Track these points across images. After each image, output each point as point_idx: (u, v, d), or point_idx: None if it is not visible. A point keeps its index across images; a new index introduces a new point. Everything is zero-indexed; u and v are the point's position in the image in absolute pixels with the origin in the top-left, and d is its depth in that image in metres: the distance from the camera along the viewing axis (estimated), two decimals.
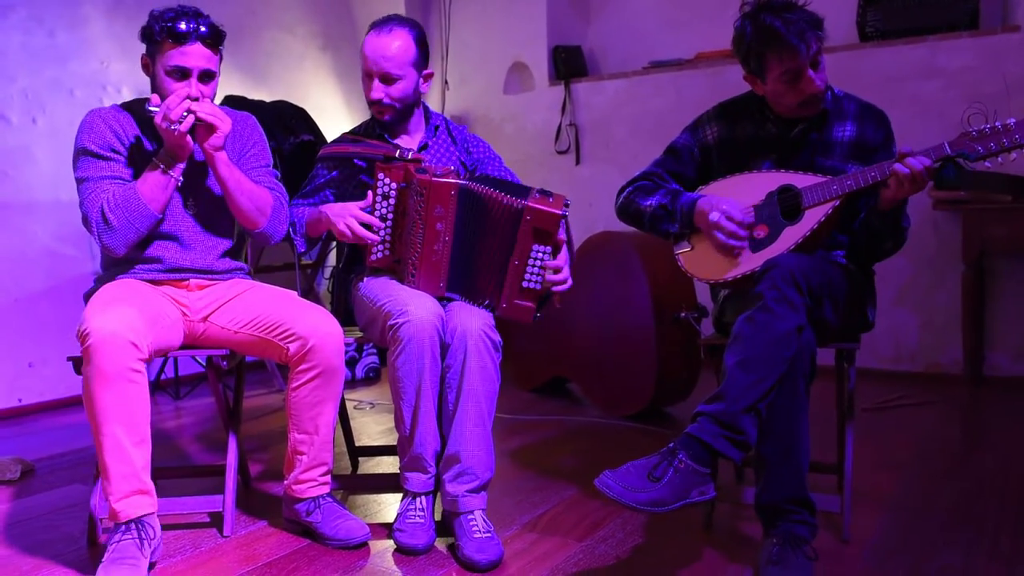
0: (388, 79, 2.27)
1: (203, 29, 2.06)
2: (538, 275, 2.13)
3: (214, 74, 2.12)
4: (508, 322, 2.18)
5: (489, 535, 2.02)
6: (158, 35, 2.05)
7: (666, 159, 2.28)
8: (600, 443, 3.05)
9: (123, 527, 1.88)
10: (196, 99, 2.04)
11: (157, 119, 2.01)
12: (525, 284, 2.14)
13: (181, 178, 2.10)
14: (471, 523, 2.04)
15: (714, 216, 2.04)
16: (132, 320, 1.86)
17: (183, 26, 2.03)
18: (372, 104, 2.30)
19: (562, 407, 3.60)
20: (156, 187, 2.06)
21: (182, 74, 2.07)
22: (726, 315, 2.20)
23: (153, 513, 1.93)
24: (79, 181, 2.10)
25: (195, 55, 2.06)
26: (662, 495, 1.71)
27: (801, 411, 1.84)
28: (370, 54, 2.26)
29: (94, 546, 2.13)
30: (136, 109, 2.18)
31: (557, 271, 2.14)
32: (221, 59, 2.16)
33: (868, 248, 2.10)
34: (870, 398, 3.51)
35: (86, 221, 2.06)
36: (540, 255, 2.12)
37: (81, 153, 2.11)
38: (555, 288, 2.16)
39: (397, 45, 2.26)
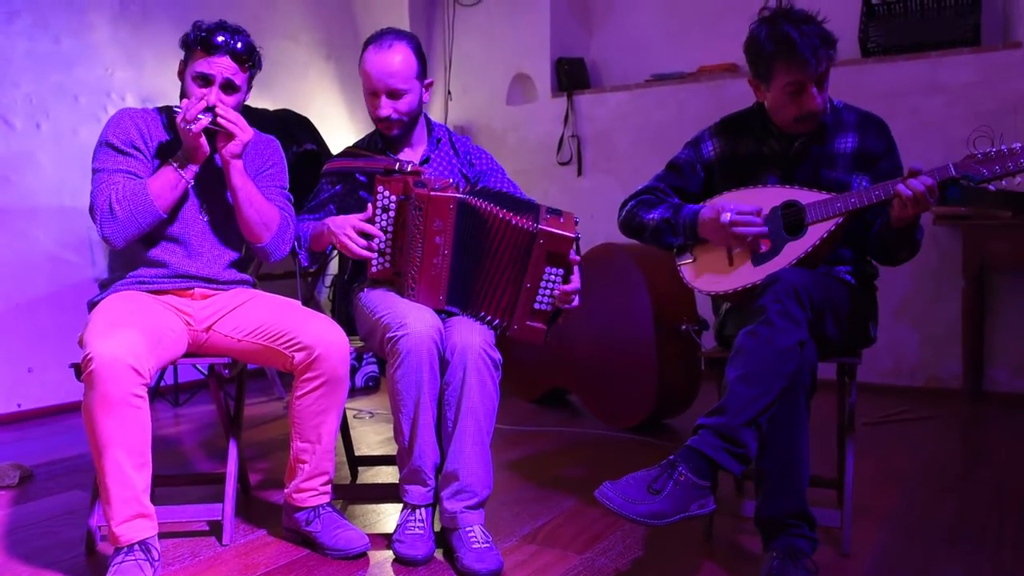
0: (395, 94, 2.26)
1: (238, 46, 2.12)
2: (550, 297, 2.13)
3: (238, 87, 2.16)
4: (519, 343, 2.18)
5: (488, 545, 2.02)
6: (192, 43, 2.12)
7: (668, 174, 2.29)
8: (600, 455, 3.05)
9: (125, 549, 1.88)
10: (214, 106, 2.08)
11: (178, 119, 2.05)
12: (537, 306, 2.13)
13: (192, 181, 2.12)
14: (469, 535, 2.03)
15: (725, 217, 2.03)
16: (134, 344, 1.85)
17: (219, 39, 2.09)
18: (380, 121, 2.30)
19: (563, 418, 3.59)
20: (166, 185, 2.08)
21: (205, 81, 2.11)
22: (727, 328, 2.21)
23: (154, 535, 1.92)
24: (94, 171, 2.12)
25: (220, 65, 2.11)
26: (662, 508, 1.71)
27: (801, 425, 1.84)
28: (374, 71, 2.25)
29: (92, 554, 2.12)
30: (169, 113, 2.22)
31: (568, 294, 2.14)
32: (251, 78, 2.21)
33: (882, 258, 2.11)
34: (870, 412, 3.51)
35: (92, 210, 2.08)
36: (553, 277, 2.12)
37: (102, 145, 2.14)
38: (564, 307, 2.16)
39: (399, 59, 2.25)
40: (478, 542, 2.02)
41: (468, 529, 2.04)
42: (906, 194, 1.88)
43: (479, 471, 2.08)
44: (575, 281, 2.15)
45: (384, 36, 2.29)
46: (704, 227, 2.09)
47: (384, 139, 2.37)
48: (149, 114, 2.22)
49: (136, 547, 1.88)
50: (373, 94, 2.28)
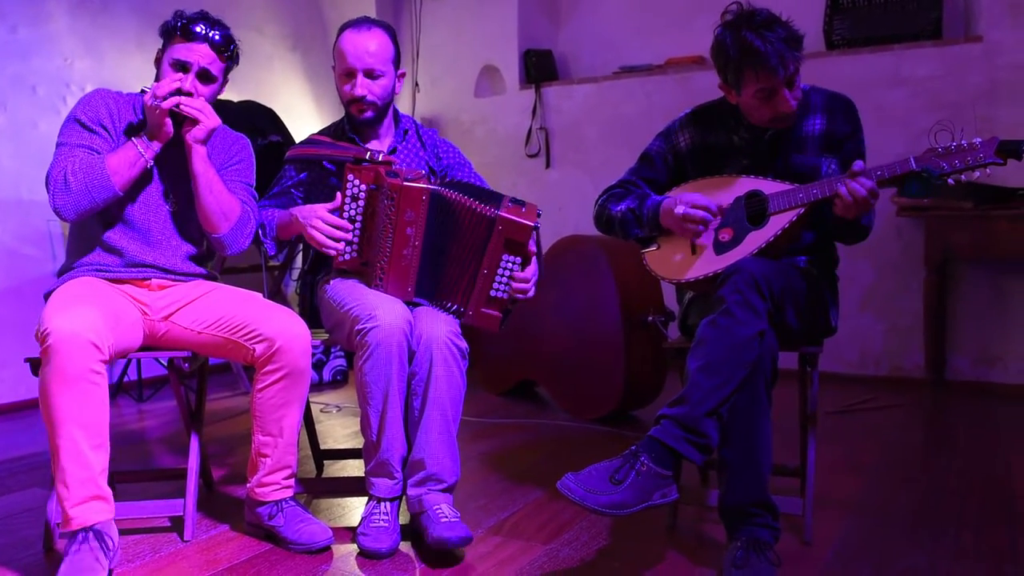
0: (372, 74, 2.26)
1: (217, 37, 2.12)
2: (506, 285, 2.13)
3: (215, 78, 2.15)
4: (474, 329, 2.18)
5: (457, 519, 2.02)
6: (172, 29, 2.12)
7: (640, 166, 2.29)
8: (568, 446, 3.05)
9: (81, 535, 1.82)
10: (190, 94, 2.07)
11: (146, 96, 2.04)
12: (493, 293, 2.14)
13: (152, 161, 2.09)
14: (437, 512, 2.03)
15: (679, 209, 2.04)
16: (93, 320, 1.83)
17: (199, 28, 2.10)
18: (354, 101, 2.27)
19: (530, 410, 3.59)
20: (124, 162, 2.05)
21: (182, 68, 2.11)
22: (690, 318, 2.22)
23: (110, 520, 1.88)
24: (58, 145, 2.10)
25: (199, 53, 2.11)
26: (623, 498, 1.71)
27: (763, 414, 1.86)
28: (352, 50, 2.25)
29: (50, 552, 2.09)
30: (142, 96, 2.20)
31: (524, 282, 2.15)
32: (227, 71, 2.20)
33: (833, 239, 2.16)
34: (835, 402, 3.55)
35: (47, 181, 2.05)
36: (509, 265, 2.12)
37: (70, 120, 2.13)
38: (519, 296, 2.16)
39: (377, 42, 2.26)
40: (446, 517, 2.01)
41: (436, 507, 2.04)
42: (847, 199, 1.90)
43: (445, 460, 2.08)
44: (531, 271, 2.16)
45: (362, 21, 2.30)
46: (665, 217, 2.10)
47: (353, 126, 2.34)
48: (123, 96, 2.21)
49: (91, 535, 1.82)
50: (349, 73, 2.26)
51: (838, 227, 2.06)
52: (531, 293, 2.17)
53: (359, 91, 2.25)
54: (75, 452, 1.81)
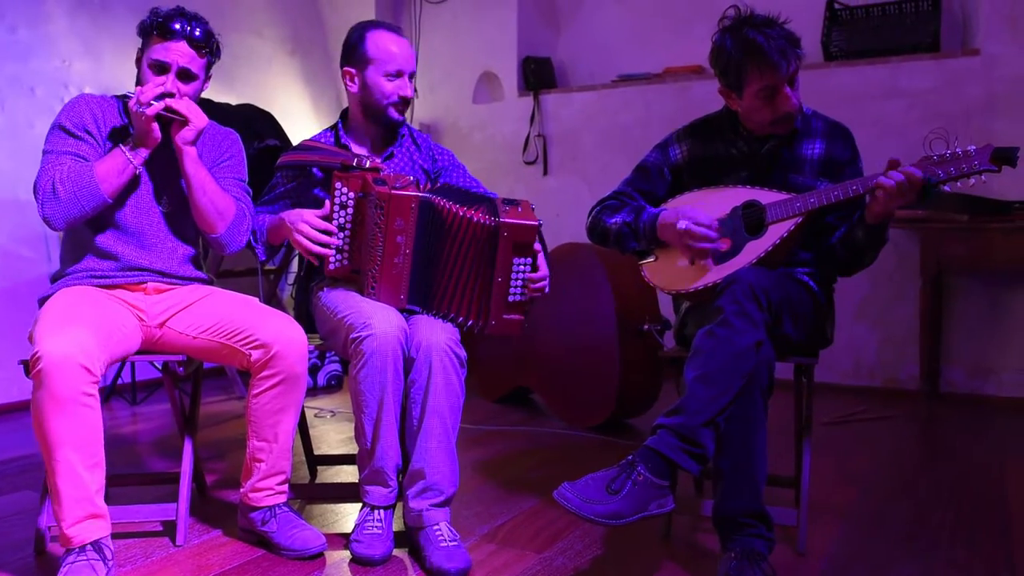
0: (413, 76, 2.32)
1: (197, 34, 2.09)
2: (522, 287, 2.13)
3: (195, 76, 2.13)
4: (469, 335, 2.18)
5: (456, 543, 2.01)
6: (149, 29, 2.09)
7: (636, 177, 2.29)
8: (563, 454, 3.05)
9: (77, 549, 1.83)
10: (172, 95, 2.05)
11: (131, 103, 2.02)
12: (511, 298, 2.12)
13: (140, 166, 2.08)
14: (437, 533, 2.02)
15: (682, 224, 2.04)
16: (85, 342, 1.80)
17: (176, 25, 2.07)
18: (401, 102, 2.29)
19: (525, 418, 3.59)
20: (113, 170, 2.04)
21: (161, 68, 2.09)
22: (687, 328, 2.21)
23: (107, 536, 1.88)
24: (44, 153, 2.09)
25: (177, 51, 2.08)
26: (620, 508, 1.71)
27: (759, 425, 1.85)
28: (400, 51, 2.28)
29: (42, 554, 2.08)
30: (125, 100, 2.18)
31: (541, 280, 2.15)
32: (209, 66, 2.18)
33: (847, 262, 2.11)
34: (829, 412, 3.55)
35: (35, 189, 2.04)
36: (522, 267, 2.11)
37: (55, 128, 2.11)
38: (536, 295, 2.16)
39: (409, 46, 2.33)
40: (445, 540, 2.00)
41: (435, 527, 2.03)
42: (889, 184, 1.88)
43: (445, 469, 2.07)
44: (543, 268, 2.16)
45: (387, 24, 2.34)
46: (663, 230, 2.10)
47: (349, 130, 2.35)
48: (106, 100, 2.19)
49: (88, 547, 1.83)
50: (397, 74, 2.28)
51: (858, 244, 2.03)
52: (547, 289, 2.18)
53: (409, 92, 2.29)
54: (70, 474, 1.80)
